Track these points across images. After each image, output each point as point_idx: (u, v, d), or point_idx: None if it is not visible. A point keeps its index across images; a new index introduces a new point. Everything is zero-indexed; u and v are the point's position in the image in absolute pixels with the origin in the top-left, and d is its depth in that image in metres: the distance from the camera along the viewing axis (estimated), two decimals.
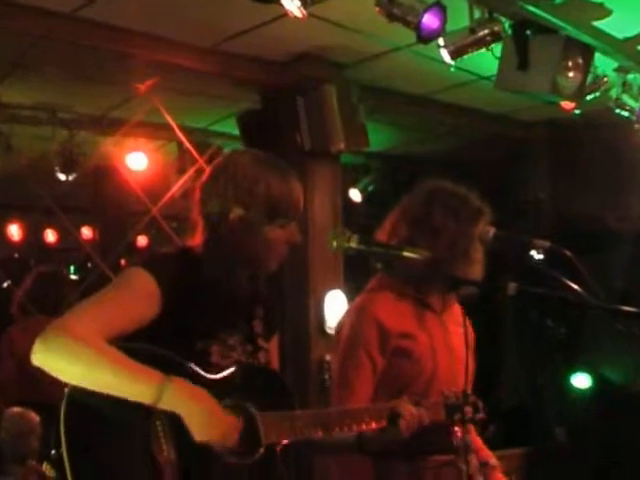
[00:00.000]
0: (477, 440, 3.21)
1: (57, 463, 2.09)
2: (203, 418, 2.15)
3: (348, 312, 3.14)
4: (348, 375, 2.96)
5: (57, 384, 2.15)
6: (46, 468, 3.82)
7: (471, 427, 3.04)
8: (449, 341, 3.10)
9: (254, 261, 2.47)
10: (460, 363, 3.08)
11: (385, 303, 3.04)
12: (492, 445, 3.28)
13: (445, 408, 2.66)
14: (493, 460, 3.22)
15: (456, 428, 2.71)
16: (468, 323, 3.28)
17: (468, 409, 2.70)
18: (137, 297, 2.30)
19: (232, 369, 2.37)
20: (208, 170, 2.58)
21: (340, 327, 3.11)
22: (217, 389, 2.27)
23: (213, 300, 2.41)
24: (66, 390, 2.14)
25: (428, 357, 3.01)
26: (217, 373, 2.34)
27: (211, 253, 2.45)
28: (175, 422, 2.15)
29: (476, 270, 3.06)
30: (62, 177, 6.84)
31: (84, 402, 2.13)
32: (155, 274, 2.32)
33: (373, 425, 2.51)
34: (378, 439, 2.57)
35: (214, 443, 2.16)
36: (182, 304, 2.33)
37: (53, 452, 2.10)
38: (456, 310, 3.21)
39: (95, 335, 2.14)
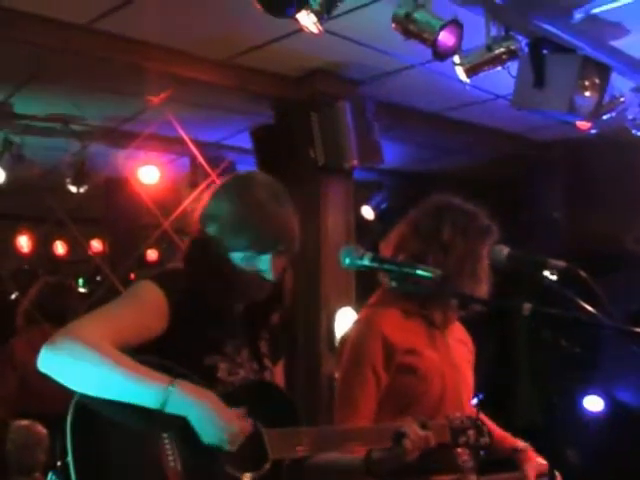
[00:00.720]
0: (497, 430, 3.19)
1: (63, 473, 2.06)
2: (210, 419, 2.13)
3: (353, 326, 3.11)
4: (352, 391, 2.91)
5: (60, 396, 2.13)
6: None
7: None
8: (453, 359, 3.07)
9: (232, 283, 2.42)
10: (463, 381, 3.07)
11: (391, 318, 3.00)
12: (502, 465, 3.24)
13: (450, 431, 2.62)
14: (520, 443, 3.21)
15: (459, 450, 2.68)
16: (469, 340, 3.26)
17: (472, 433, 2.66)
18: (146, 310, 2.30)
19: (238, 385, 2.37)
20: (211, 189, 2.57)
21: (344, 341, 3.08)
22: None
23: (216, 315, 2.39)
24: (74, 399, 2.12)
25: (435, 375, 2.97)
26: (223, 389, 2.32)
27: (191, 267, 2.44)
28: (183, 435, 2.13)
29: (483, 288, 3.04)
30: (73, 189, 6.83)
31: (92, 411, 2.11)
32: (164, 288, 2.32)
33: (378, 441, 2.47)
34: (385, 460, 2.49)
35: (222, 444, 2.13)
36: (189, 319, 2.32)
37: (59, 463, 2.08)
38: (457, 327, 3.19)
39: (103, 340, 2.14)
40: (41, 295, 5.65)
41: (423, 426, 2.50)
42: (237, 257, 2.40)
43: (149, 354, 2.24)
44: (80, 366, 2.11)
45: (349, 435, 2.48)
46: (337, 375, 3.15)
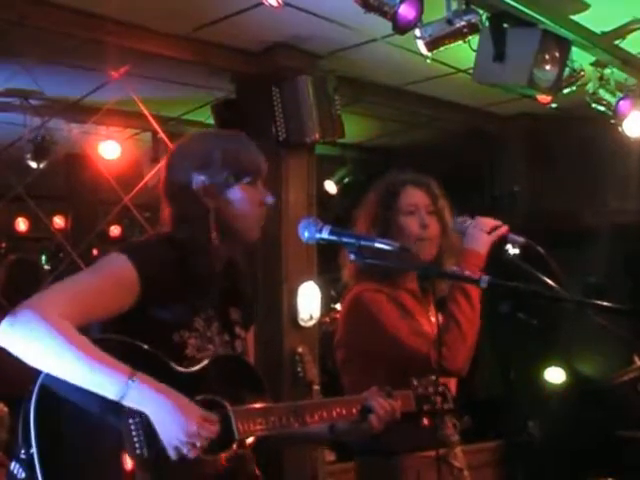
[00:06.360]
0: None
1: (27, 464, 2.03)
2: (169, 416, 2.09)
3: (346, 304, 3.14)
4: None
5: (25, 377, 2.09)
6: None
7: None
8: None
9: (230, 227, 2.44)
10: None
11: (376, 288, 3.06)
12: (465, 438, 3.27)
13: (415, 399, 2.64)
14: None
15: (425, 420, 2.70)
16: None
17: (437, 399, 2.68)
18: (115, 284, 2.24)
19: (205, 362, 2.33)
20: (166, 157, 2.57)
21: (344, 318, 3.13)
22: (190, 383, 2.24)
23: (191, 285, 2.35)
24: (38, 381, 2.08)
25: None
26: (191, 366, 2.30)
27: (182, 228, 2.40)
28: (150, 421, 2.11)
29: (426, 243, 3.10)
30: (33, 164, 6.76)
31: (56, 398, 2.08)
32: (136, 262, 2.26)
33: (344, 416, 2.50)
34: (350, 433, 2.56)
35: (181, 446, 2.10)
36: (161, 293, 2.28)
37: (22, 452, 2.04)
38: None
39: (66, 320, 2.09)
40: (10, 276, 5.56)
41: (389, 396, 2.54)
42: (236, 190, 2.43)
43: (116, 331, 2.21)
44: (38, 346, 2.06)
45: (316, 409, 2.47)
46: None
